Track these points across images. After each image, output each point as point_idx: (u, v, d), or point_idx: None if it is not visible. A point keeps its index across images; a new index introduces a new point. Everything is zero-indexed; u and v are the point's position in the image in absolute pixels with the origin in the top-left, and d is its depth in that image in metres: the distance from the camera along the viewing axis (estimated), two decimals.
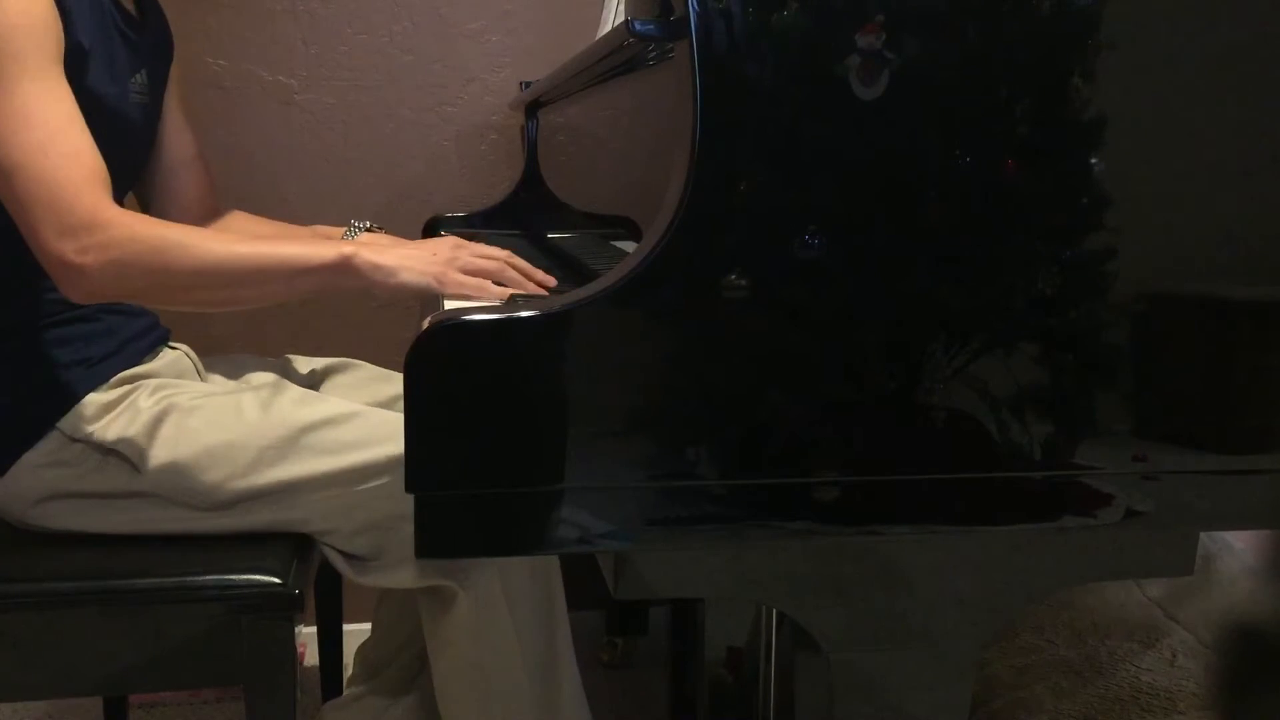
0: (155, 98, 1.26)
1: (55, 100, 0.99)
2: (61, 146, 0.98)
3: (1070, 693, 1.20)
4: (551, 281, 1.08)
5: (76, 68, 1.04)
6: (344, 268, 1.00)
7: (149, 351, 1.24)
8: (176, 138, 1.34)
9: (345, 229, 1.38)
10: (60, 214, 0.96)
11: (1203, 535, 0.90)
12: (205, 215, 1.38)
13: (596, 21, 1.52)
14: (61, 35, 1.02)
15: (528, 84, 1.77)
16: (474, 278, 1.03)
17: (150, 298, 1.05)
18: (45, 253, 0.97)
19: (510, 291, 1.03)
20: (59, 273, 0.98)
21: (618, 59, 1.02)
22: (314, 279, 1.01)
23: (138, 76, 1.19)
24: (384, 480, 1.07)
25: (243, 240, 1.03)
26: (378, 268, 1.00)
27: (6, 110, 0.97)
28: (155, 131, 1.29)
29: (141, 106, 1.21)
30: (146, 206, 1.35)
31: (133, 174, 1.27)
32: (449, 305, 1.02)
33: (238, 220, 1.43)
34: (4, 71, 0.97)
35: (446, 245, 1.07)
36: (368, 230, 1.39)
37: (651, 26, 0.75)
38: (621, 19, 1.22)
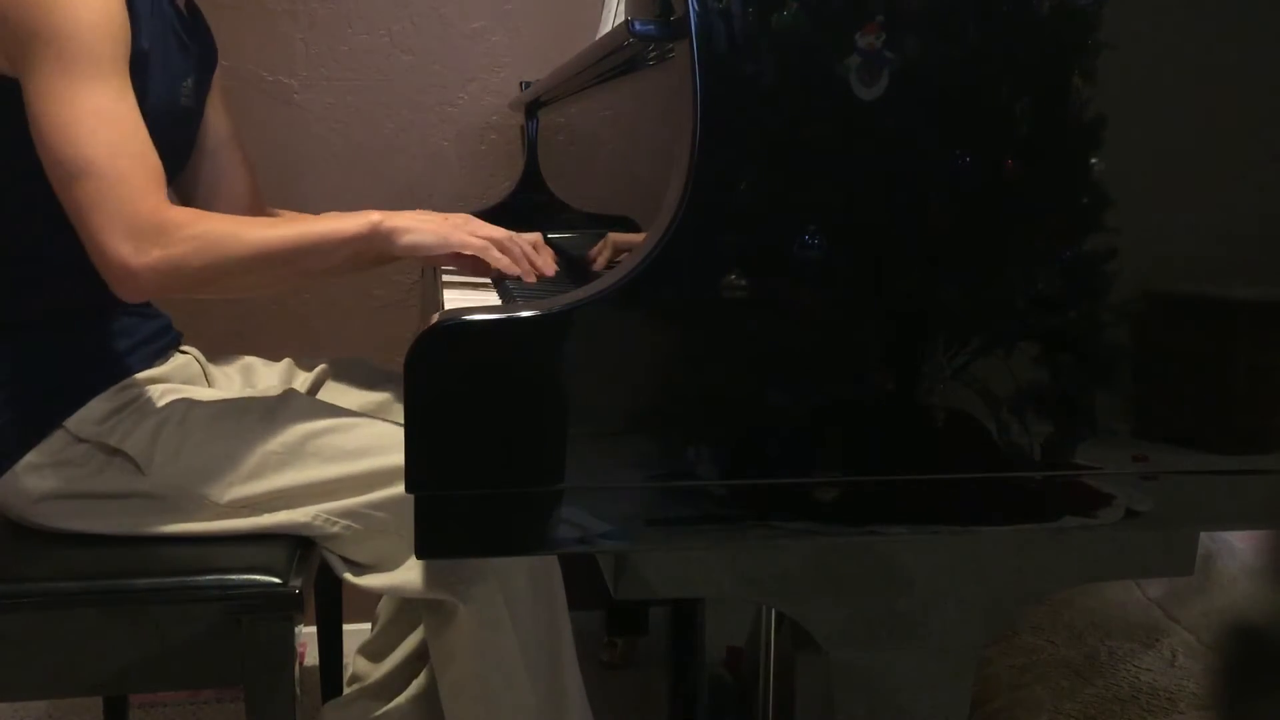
0: (199, 101, 1.28)
1: (125, 102, 1.00)
2: (130, 149, 0.99)
3: (1070, 693, 1.20)
4: (551, 271, 1.14)
5: (138, 72, 1.05)
6: (373, 233, 1.06)
7: (160, 355, 1.24)
8: (215, 123, 1.35)
9: None
10: (127, 218, 0.97)
11: (1203, 535, 0.89)
12: (249, 205, 1.39)
13: (596, 21, 1.52)
14: (129, 38, 1.03)
15: (528, 84, 1.77)
16: (480, 240, 1.10)
17: (202, 290, 1.07)
18: (105, 254, 0.98)
19: (515, 268, 1.11)
20: (116, 274, 0.99)
21: (618, 59, 1.03)
22: (350, 248, 1.07)
23: (188, 81, 1.20)
24: (386, 488, 1.07)
25: (283, 222, 1.07)
26: (396, 229, 1.07)
27: (82, 110, 0.97)
28: (196, 134, 1.31)
29: (188, 111, 1.22)
30: (189, 198, 1.35)
31: (171, 176, 1.28)
32: (450, 305, 1.03)
33: (290, 217, 1.43)
34: (81, 71, 0.97)
35: (459, 216, 1.15)
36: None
37: (651, 26, 0.75)
38: (621, 19, 1.22)
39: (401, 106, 1.84)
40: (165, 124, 1.13)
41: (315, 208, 1.49)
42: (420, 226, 1.08)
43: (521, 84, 1.81)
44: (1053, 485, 0.78)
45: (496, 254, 1.10)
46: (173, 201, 1.04)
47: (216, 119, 1.35)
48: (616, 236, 1.19)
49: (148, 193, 0.99)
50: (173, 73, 1.15)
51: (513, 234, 1.15)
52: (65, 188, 0.98)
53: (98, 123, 0.98)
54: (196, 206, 1.35)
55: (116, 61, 1.00)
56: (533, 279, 1.13)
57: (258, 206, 1.40)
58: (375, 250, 1.08)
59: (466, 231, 1.10)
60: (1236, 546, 1.29)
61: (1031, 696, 1.22)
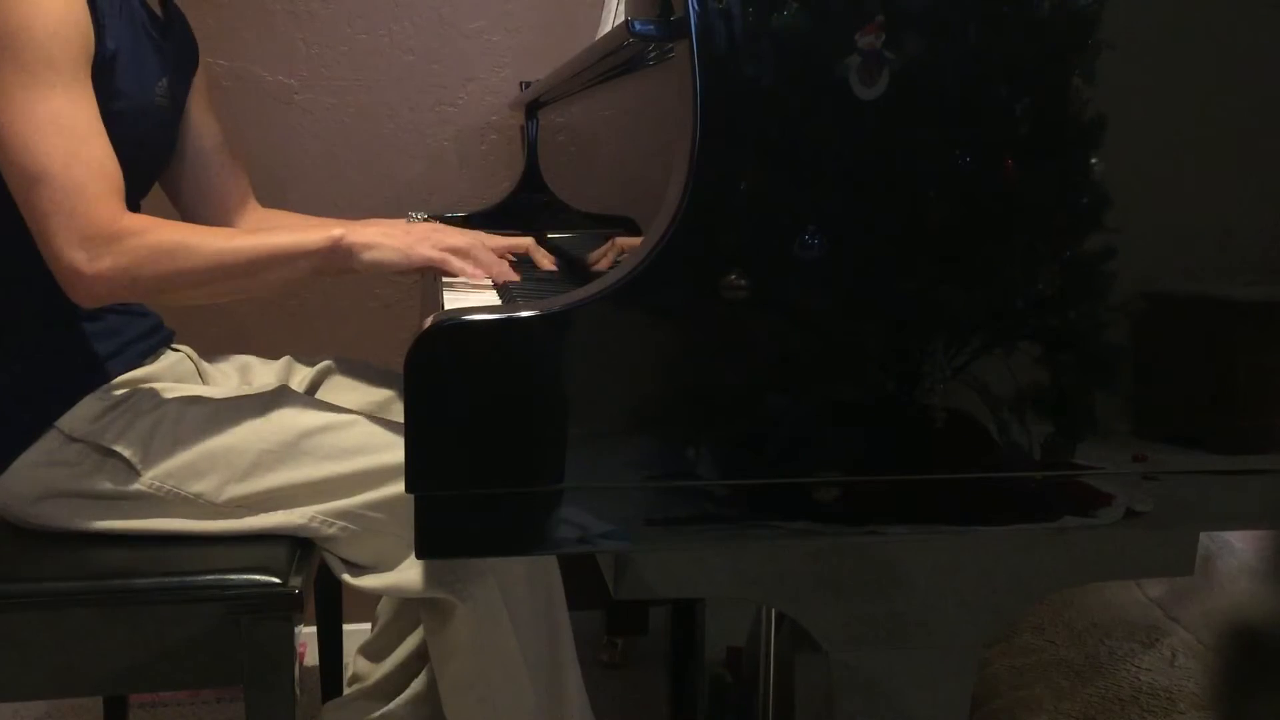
0: (176, 102, 1.27)
1: (83, 109, 1.01)
2: (86, 156, 0.99)
3: (1070, 693, 1.20)
4: (514, 276, 1.12)
5: (105, 73, 1.05)
6: (335, 248, 1.05)
7: (151, 353, 1.24)
8: (199, 127, 1.34)
9: (405, 220, 1.45)
10: (79, 225, 0.98)
11: (1203, 535, 0.89)
12: (238, 207, 1.38)
13: (596, 21, 1.52)
14: (93, 42, 1.03)
15: (528, 84, 1.77)
16: (440, 253, 1.08)
17: (158, 297, 1.07)
18: (58, 260, 0.99)
19: (479, 273, 1.09)
20: (69, 280, 1.00)
21: (618, 59, 1.03)
22: (309, 262, 1.06)
23: (162, 81, 1.20)
24: (382, 488, 1.07)
25: (244, 234, 1.06)
26: (357, 245, 1.06)
27: (37, 118, 0.98)
28: (175, 135, 1.30)
29: (163, 111, 1.22)
30: (176, 200, 1.35)
31: (150, 177, 1.28)
32: (450, 305, 1.03)
33: (281, 219, 1.44)
34: (38, 78, 0.98)
35: (424, 227, 1.15)
36: (424, 220, 1.46)
37: (651, 26, 0.75)
38: (621, 19, 1.22)
39: (401, 106, 1.84)
40: (139, 123, 1.13)
41: (315, 208, 1.50)
42: (382, 243, 1.06)
43: (521, 84, 1.81)
44: (1053, 485, 0.78)
45: (458, 263, 1.08)
46: (170, 201, 1.04)
47: (201, 122, 1.35)
48: (624, 241, 1.19)
49: (102, 201, 0.99)
50: (144, 72, 1.15)
51: (482, 240, 1.14)
52: (21, 194, 0.99)
53: (54, 130, 0.98)
54: (181, 210, 1.35)
55: (75, 66, 1.00)
56: (504, 280, 1.13)
57: (248, 212, 1.40)
58: (337, 265, 1.07)
59: (430, 244, 1.08)
60: (1236, 546, 1.29)
61: (1031, 696, 1.22)
